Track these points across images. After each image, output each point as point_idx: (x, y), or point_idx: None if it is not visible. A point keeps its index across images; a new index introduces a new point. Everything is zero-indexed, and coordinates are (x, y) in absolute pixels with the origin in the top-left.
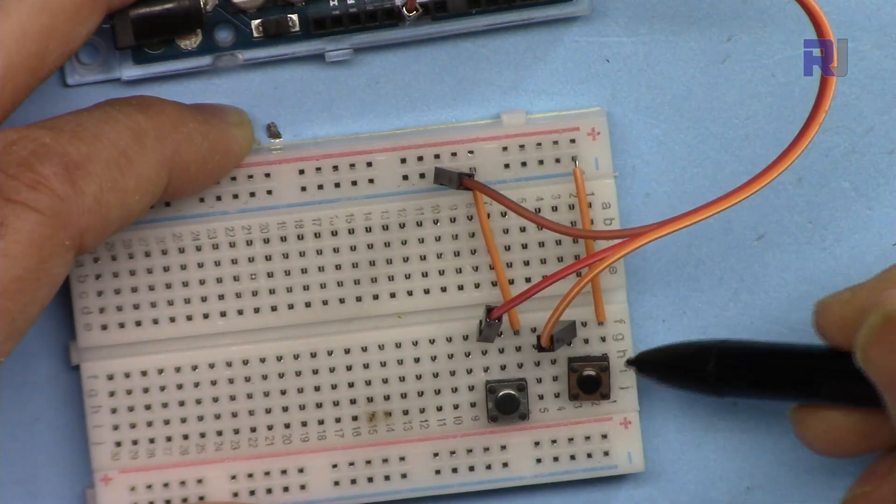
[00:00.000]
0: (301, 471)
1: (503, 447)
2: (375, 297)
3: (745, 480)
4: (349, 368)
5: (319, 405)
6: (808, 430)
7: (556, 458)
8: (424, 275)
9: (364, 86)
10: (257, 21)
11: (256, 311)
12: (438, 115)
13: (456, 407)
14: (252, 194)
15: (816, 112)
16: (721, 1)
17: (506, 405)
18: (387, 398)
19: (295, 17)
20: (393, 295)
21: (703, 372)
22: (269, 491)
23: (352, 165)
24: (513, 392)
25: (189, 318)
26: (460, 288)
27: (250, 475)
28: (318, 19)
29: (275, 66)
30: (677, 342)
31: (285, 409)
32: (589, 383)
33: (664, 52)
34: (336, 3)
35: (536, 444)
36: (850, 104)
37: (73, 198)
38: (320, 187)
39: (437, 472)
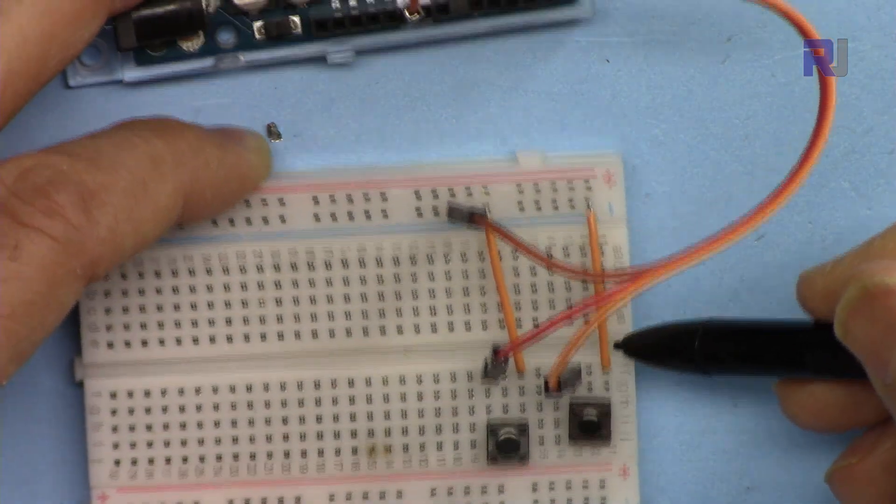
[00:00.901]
0: (298, 500)
1: (501, 488)
2: (382, 330)
3: (745, 480)
4: (352, 400)
5: (320, 435)
6: (794, 403)
7: (552, 502)
8: (432, 311)
9: (365, 87)
10: (259, 23)
11: (263, 337)
12: (439, 115)
13: (456, 445)
14: (265, 220)
15: (819, 132)
16: (721, 1)
17: (506, 446)
18: (388, 433)
19: (297, 18)
20: (400, 329)
21: (689, 351)
22: None
23: (366, 197)
24: (514, 433)
25: (195, 340)
26: (467, 326)
27: (247, 501)
28: (320, 21)
29: (276, 68)
30: (663, 323)
31: (286, 437)
32: (589, 426)
33: (664, 52)
34: (338, 5)
35: (534, 487)
36: (850, 104)
37: (86, 227)
38: (334, 217)
39: None
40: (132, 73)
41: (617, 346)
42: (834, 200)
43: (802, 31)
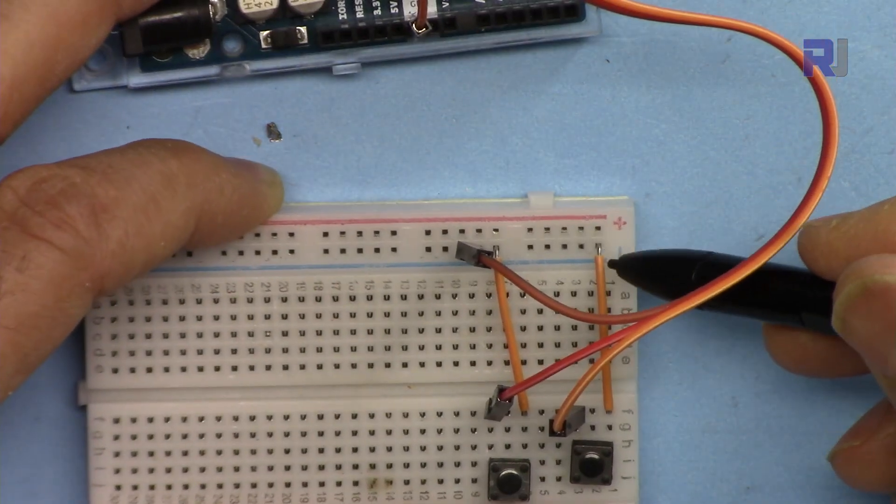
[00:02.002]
0: None
1: None
2: (387, 365)
3: (745, 480)
4: (355, 433)
5: (322, 467)
6: (779, 347)
7: None
8: (438, 347)
9: (370, 99)
10: (266, 32)
11: (268, 368)
12: (442, 126)
13: (457, 481)
14: (274, 252)
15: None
16: (721, 1)
17: (507, 484)
18: (389, 466)
19: (304, 29)
20: (405, 365)
21: (685, 281)
22: None
23: (376, 232)
24: (515, 472)
25: (200, 369)
26: (472, 364)
27: None
28: (327, 32)
29: (282, 78)
30: (662, 249)
31: (287, 467)
32: (591, 466)
33: (664, 52)
34: (345, 16)
35: None
36: (850, 104)
37: (96, 240)
38: (343, 251)
39: None
40: (137, 78)
41: (612, 264)
42: (834, 200)
43: (791, 55)
